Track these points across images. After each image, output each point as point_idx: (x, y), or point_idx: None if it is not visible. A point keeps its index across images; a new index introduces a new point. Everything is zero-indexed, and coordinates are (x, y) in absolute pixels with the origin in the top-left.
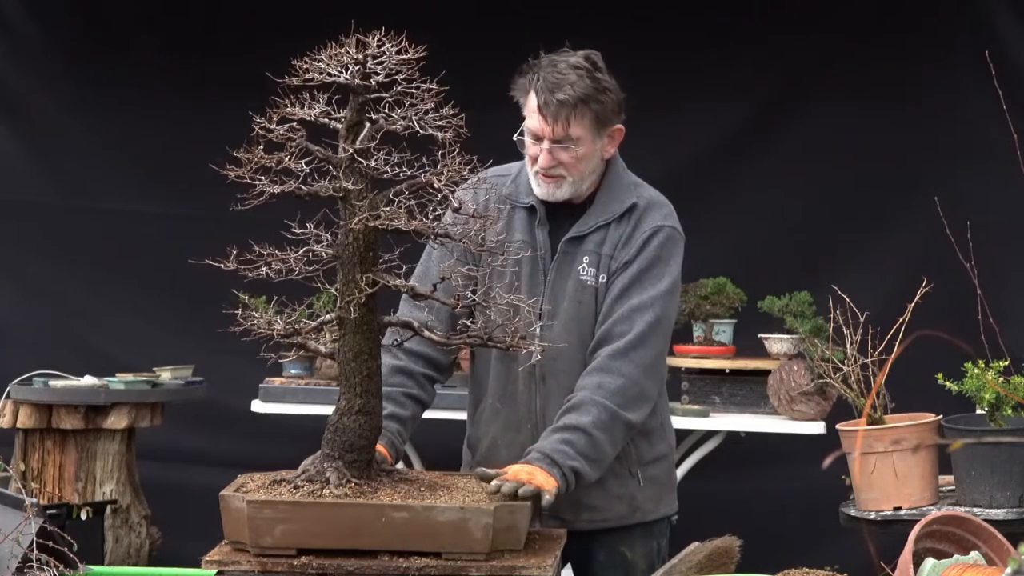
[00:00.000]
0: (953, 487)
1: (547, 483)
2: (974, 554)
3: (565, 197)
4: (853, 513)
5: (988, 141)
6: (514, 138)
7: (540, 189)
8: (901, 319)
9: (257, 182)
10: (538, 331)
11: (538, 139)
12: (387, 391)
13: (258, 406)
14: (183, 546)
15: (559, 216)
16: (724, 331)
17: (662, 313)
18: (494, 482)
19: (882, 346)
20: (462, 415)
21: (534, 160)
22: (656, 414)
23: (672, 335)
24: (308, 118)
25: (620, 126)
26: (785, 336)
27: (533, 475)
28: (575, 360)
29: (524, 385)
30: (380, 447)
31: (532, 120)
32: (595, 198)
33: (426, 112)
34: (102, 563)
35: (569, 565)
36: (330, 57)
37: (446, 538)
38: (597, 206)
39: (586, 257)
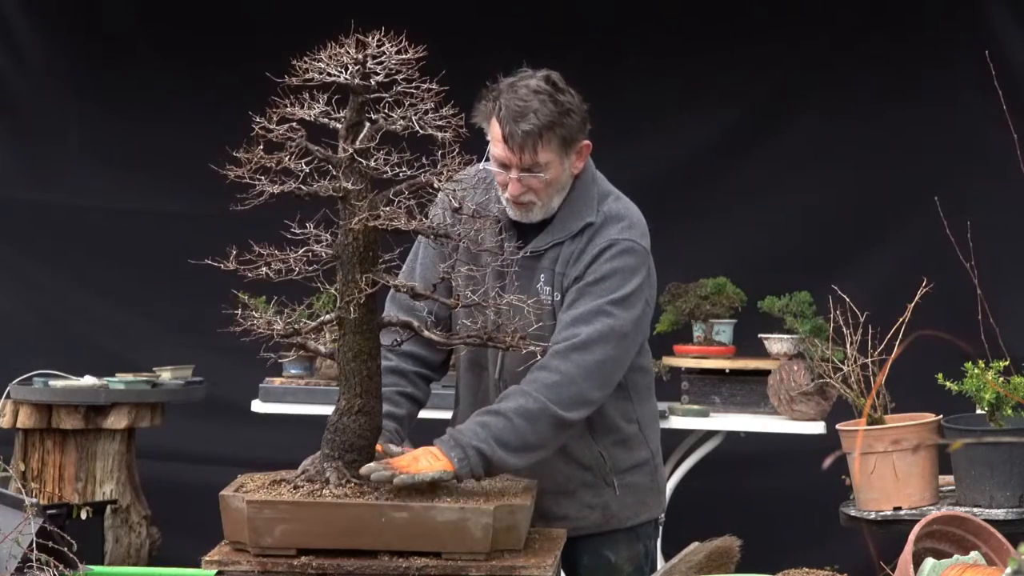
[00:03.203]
0: (953, 487)
1: (432, 467)
2: (974, 554)
3: (538, 219)
4: (853, 513)
5: (988, 141)
6: (481, 165)
7: (513, 213)
8: (901, 319)
9: (257, 182)
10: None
11: (506, 167)
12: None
13: (258, 406)
14: (183, 546)
15: (524, 226)
16: (724, 331)
17: (614, 321)
18: (369, 464)
19: (882, 346)
20: None
21: (504, 187)
22: (633, 420)
23: (672, 335)
24: (308, 118)
25: (587, 141)
26: (785, 336)
27: (417, 459)
28: None
29: (492, 397)
30: (379, 447)
31: (498, 149)
32: (557, 214)
33: (426, 112)
34: (102, 563)
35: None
36: (330, 57)
37: (446, 538)
38: (556, 223)
39: (543, 275)
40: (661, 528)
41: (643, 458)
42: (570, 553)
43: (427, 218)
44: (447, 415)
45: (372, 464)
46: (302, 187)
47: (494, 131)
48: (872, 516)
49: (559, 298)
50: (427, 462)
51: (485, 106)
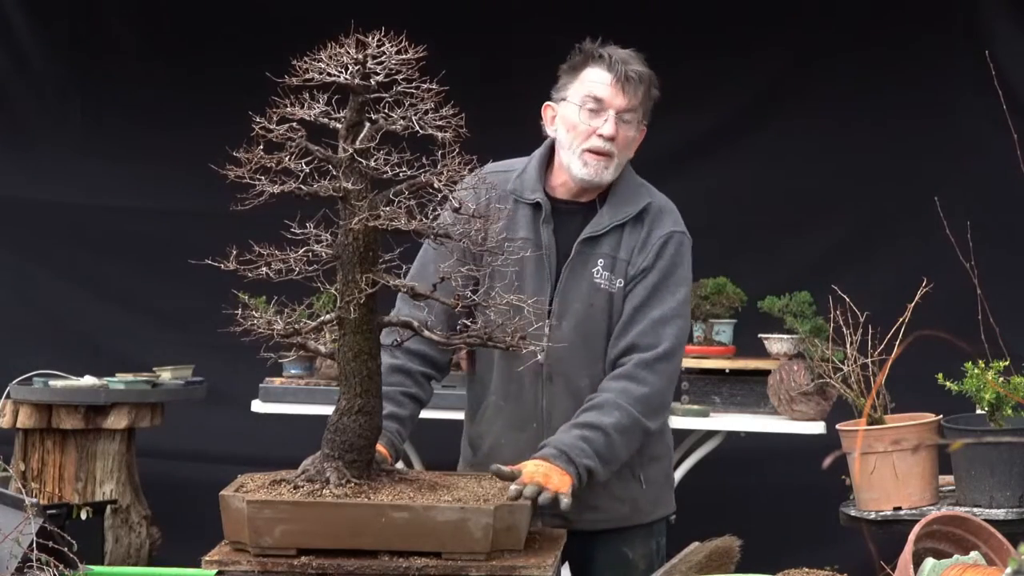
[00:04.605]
0: (953, 487)
1: (563, 484)
2: (974, 554)
3: (609, 180)
4: (853, 513)
5: (988, 141)
6: (570, 103)
7: (587, 169)
8: (901, 319)
9: (257, 182)
10: (546, 330)
11: (601, 110)
12: (385, 390)
13: (258, 406)
14: (183, 546)
15: (563, 213)
16: (724, 331)
17: (684, 324)
18: (514, 486)
19: (882, 346)
20: (462, 415)
21: (587, 136)
22: None
23: None
24: (308, 118)
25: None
26: (785, 336)
27: (549, 477)
28: (582, 361)
29: (530, 384)
30: (380, 447)
31: (602, 89)
32: (606, 198)
33: (426, 112)
34: (102, 563)
35: (566, 564)
36: (330, 57)
37: (446, 538)
38: (609, 206)
39: (600, 260)
40: (668, 527)
41: (661, 453)
42: (585, 550)
43: (428, 218)
44: (447, 415)
45: (516, 485)
46: (302, 187)
47: (592, 75)
48: (872, 516)
49: (621, 285)
50: (559, 479)
51: (580, 57)
